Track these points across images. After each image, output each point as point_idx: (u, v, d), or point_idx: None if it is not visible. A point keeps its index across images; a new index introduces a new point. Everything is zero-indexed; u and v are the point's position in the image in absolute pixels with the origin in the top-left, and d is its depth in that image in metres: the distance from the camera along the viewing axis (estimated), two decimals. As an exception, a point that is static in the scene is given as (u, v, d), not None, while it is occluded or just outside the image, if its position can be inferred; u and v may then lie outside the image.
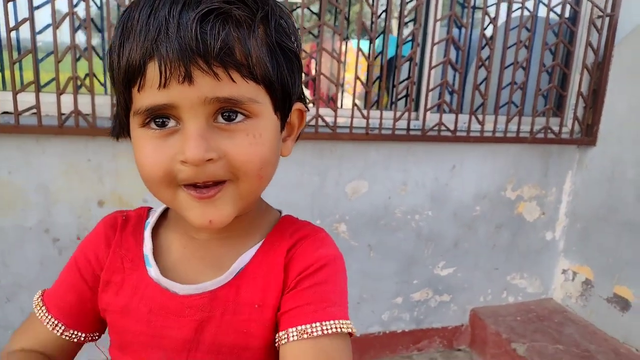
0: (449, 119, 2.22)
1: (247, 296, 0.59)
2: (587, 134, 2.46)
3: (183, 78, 0.49)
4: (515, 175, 2.49)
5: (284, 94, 0.56)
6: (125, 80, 0.52)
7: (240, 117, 0.53)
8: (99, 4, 1.84)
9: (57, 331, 0.65)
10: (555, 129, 2.42)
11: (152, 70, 0.50)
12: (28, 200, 1.84)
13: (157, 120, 0.53)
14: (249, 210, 0.62)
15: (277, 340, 0.58)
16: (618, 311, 2.37)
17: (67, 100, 1.72)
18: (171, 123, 0.53)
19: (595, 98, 2.41)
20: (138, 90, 0.52)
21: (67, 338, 0.66)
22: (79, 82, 1.71)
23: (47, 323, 0.65)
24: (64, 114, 1.72)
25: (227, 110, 0.52)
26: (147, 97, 0.51)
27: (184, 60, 0.48)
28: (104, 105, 1.80)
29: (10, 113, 1.73)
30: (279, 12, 0.56)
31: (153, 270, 0.62)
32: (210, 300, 0.59)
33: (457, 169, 2.37)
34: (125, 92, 0.54)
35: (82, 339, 0.67)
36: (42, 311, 0.66)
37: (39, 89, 1.67)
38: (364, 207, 2.26)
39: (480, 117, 2.24)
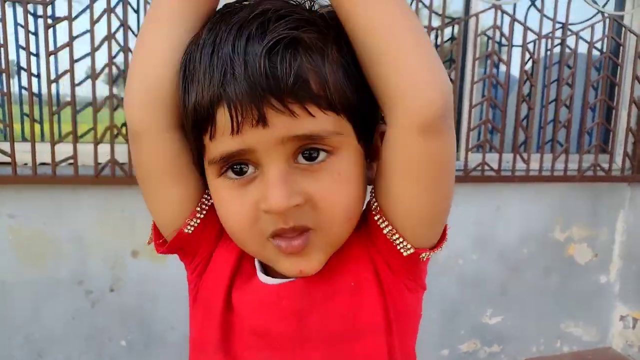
0: (491, 158, 2.13)
1: (339, 278, 0.54)
2: (639, 170, 2.33)
3: (257, 121, 0.44)
4: (564, 215, 2.36)
5: (367, 120, 0.51)
6: (195, 129, 0.48)
7: (322, 155, 0.48)
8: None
9: None
10: (605, 166, 2.30)
11: (222, 116, 0.45)
12: (61, 251, 1.81)
13: (235, 167, 0.49)
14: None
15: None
16: (687, 362, 2.18)
17: (103, 151, 1.70)
18: (250, 170, 0.48)
19: (645, 133, 2.30)
20: (210, 138, 0.47)
21: None
22: (115, 132, 1.69)
23: None
24: (100, 164, 1.70)
25: (308, 149, 0.47)
26: (220, 145, 0.47)
27: (255, 101, 0.43)
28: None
29: (48, 164, 1.72)
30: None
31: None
32: (306, 287, 0.54)
33: (502, 210, 2.26)
34: (197, 140, 0.49)
35: None
36: None
37: (76, 139, 1.66)
38: (405, 253, 2.16)
39: (524, 155, 2.14)
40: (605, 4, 2.36)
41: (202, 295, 0.60)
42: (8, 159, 1.64)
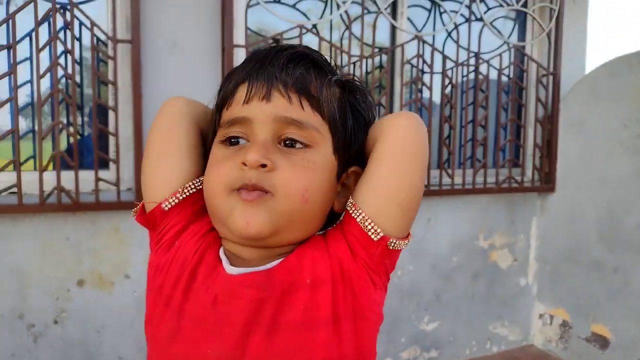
0: (421, 174, 2.32)
1: (298, 274, 0.60)
2: (546, 181, 2.63)
3: (263, 96, 0.59)
4: (486, 224, 2.59)
5: (345, 141, 0.63)
6: (219, 105, 0.64)
7: (299, 146, 0.60)
8: (78, 81, 1.85)
9: None
10: (518, 178, 2.57)
11: (241, 91, 0.61)
12: (0, 285, 1.73)
13: (233, 140, 0.62)
14: (295, 240, 0.63)
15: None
16: (598, 349, 2.44)
17: (49, 178, 1.68)
18: (242, 142, 0.61)
19: (549, 148, 2.60)
20: (226, 109, 0.62)
21: None
22: (60, 157, 1.68)
23: None
24: (44, 191, 1.68)
25: (291, 139, 0.60)
26: (232, 111, 0.61)
27: (267, 83, 0.59)
28: (87, 180, 1.77)
29: (-13, 194, 1.67)
30: (357, 88, 0.67)
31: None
32: (268, 278, 0.59)
33: (432, 222, 2.45)
34: (217, 115, 0.65)
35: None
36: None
37: (20, 167, 1.63)
38: (347, 267, 2.27)
39: (449, 171, 2.36)
40: (510, 35, 2.68)
41: (158, 280, 0.64)
42: (-55, 190, 1.58)
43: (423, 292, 2.48)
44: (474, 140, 2.44)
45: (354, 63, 2.25)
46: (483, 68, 2.42)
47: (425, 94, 2.34)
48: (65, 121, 1.80)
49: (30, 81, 1.77)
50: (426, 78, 2.34)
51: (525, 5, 2.57)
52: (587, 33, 2.75)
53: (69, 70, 1.70)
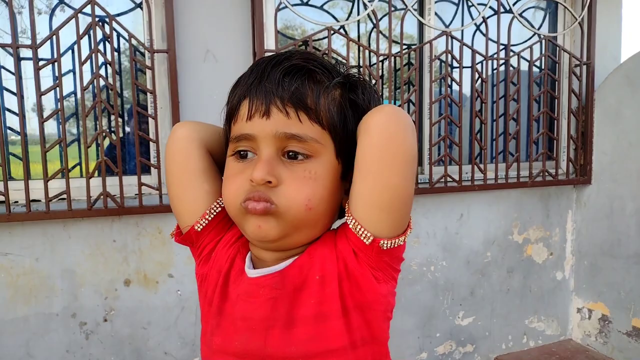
0: (453, 170, 2.33)
1: (308, 271, 0.66)
2: (582, 173, 2.59)
3: (263, 113, 0.62)
4: (520, 218, 2.58)
5: (349, 143, 0.65)
6: (228, 117, 0.69)
7: (302, 157, 0.63)
8: (119, 91, 1.94)
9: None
10: (552, 171, 2.55)
11: (244, 107, 0.64)
12: (54, 286, 1.84)
13: (242, 152, 0.66)
14: (306, 241, 0.69)
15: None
16: (639, 344, 2.40)
17: (94, 184, 1.78)
18: (250, 155, 0.65)
19: (584, 139, 2.56)
20: (234, 123, 0.66)
21: None
22: (105, 165, 1.77)
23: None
24: (92, 197, 1.77)
25: (293, 151, 0.63)
26: (238, 127, 0.65)
27: (265, 99, 0.62)
28: (131, 185, 1.86)
29: (38, 201, 1.78)
30: (357, 83, 0.68)
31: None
32: (281, 278, 0.66)
33: (465, 217, 2.45)
34: (227, 127, 0.69)
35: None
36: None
37: (68, 175, 1.73)
38: (381, 263, 2.30)
39: (481, 166, 2.35)
40: (540, 26, 2.65)
41: (203, 288, 0.74)
42: (2, 198, 1.68)
43: (457, 287, 2.49)
44: (506, 133, 2.43)
45: (382, 61, 2.28)
46: (513, 61, 2.40)
47: (455, 89, 2.35)
48: (107, 129, 1.89)
49: (74, 92, 1.87)
50: (456, 73, 2.34)
51: (556, -5, 2.54)
52: (621, 20, 2.68)
53: (110, 81, 1.78)
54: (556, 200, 2.66)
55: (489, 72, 2.38)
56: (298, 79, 0.62)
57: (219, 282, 0.71)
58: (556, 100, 2.56)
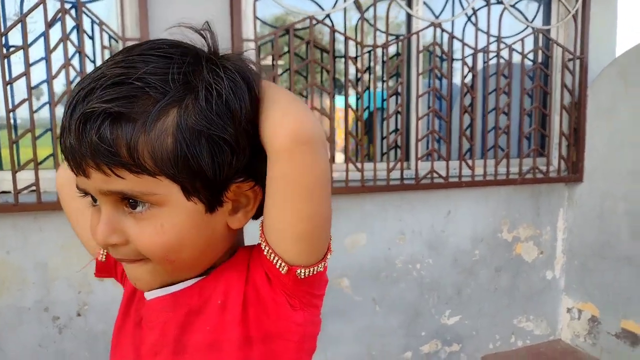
0: (440, 166, 2.27)
1: (209, 295, 0.59)
2: (574, 171, 2.53)
3: (81, 174, 0.52)
4: (509, 216, 2.52)
5: (203, 180, 0.53)
6: None
7: (143, 207, 0.53)
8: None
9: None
10: (543, 168, 2.49)
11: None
12: (26, 279, 1.80)
13: (92, 196, 0.57)
14: (196, 274, 0.62)
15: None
16: (628, 346, 2.35)
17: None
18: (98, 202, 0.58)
19: (576, 136, 2.50)
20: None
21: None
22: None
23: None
24: (62, 189, 1.72)
25: (132, 199, 0.53)
26: (76, 177, 0.55)
27: (76, 159, 0.51)
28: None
29: (8, 192, 1.73)
30: (210, 84, 0.52)
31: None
32: (172, 301, 0.60)
33: (452, 215, 2.40)
34: None
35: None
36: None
37: (37, 166, 1.68)
38: (364, 260, 2.25)
39: (470, 162, 2.30)
40: (534, 18, 2.58)
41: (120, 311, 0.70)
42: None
43: (444, 286, 2.44)
44: (496, 128, 2.37)
45: (369, 52, 2.22)
46: (505, 53, 2.33)
47: (445, 82, 2.28)
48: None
49: (47, 81, 1.82)
50: (446, 66, 2.28)
51: (550, -13, 2.47)
52: (617, 14, 2.60)
53: (83, 70, 1.73)
54: (547, 198, 2.60)
55: (480, 65, 2.32)
56: (100, 127, 0.49)
57: (123, 304, 0.68)
58: (548, 95, 2.49)
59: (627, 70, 2.32)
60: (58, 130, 1.70)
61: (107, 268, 0.72)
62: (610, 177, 2.42)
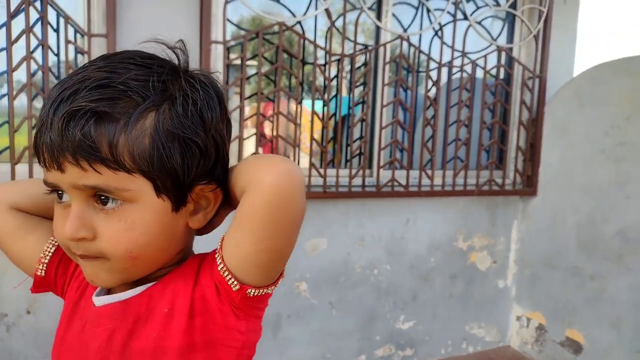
0: (401, 175, 2.33)
1: (157, 303, 0.62)
2: (528, 185, 2.63)
3: (56, 168, 0.55)
4: (466, 226, 2.60)
5: (173, 179, 0.58)
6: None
7: (114, 203, 0.57)
8: (57, 74, 1.85)
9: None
10: (499, 181, 2.57)
11: (41, 155, 0.57)
12: (-26, 274, 1.75)
13: (59, 192, 0.59)
14: (150, 272, 0.65)
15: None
16: (571, 354, 2.46)
17: (22, 170, 1.69)
18: (65, 197, 0.59)
19: (532, 151, 2.60)
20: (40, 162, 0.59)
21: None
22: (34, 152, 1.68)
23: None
24: (17, 183, 1.69)
25: (102, 195, 0.56)
26: (46, 173, 0.58)
27: (54, 154, 0.54)
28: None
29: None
30: (187, 94, 0.57)
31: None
32: (122, 309, 0.62)
33: (411, 223, 2.45)
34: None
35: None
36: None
37: (-8, 158, 1.64)
38: (323, 264, 2.29)
39: (429, 172, 2.36)
40: (498, 36, 2.67)
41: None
42: None
43: (400, 291, 2.49)
44: (456, 140, 2.44)
45: (337, 61, 2.25)
46: (468, 68, 2.41)
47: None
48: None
49: (7, 72, 1.77)
50: (411, 78, 2.33)
51: (514, 6, 2.55)
52: (576, 36, 2.72)
53: (45, 63, 1.70)
54: (503, 210, 2.69)
55: (445, 79, 2.38)
56: (86, 123, 0.52)
57: (66, 312, 0.69)
58: (508, 110, 2.58)
59: (582, 90, 2.42)
60: (16, 122, 1.66)
61: (47, 282, 0.72)
62: (562, 192, 2.53)
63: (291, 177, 0.55)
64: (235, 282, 0.58)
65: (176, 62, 0.60)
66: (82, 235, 0.57)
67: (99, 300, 0.64)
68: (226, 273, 0.59)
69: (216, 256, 0.61)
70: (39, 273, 0.70)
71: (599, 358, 2.34)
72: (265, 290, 0.60)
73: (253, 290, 0.59)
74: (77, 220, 0.56)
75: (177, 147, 0.56)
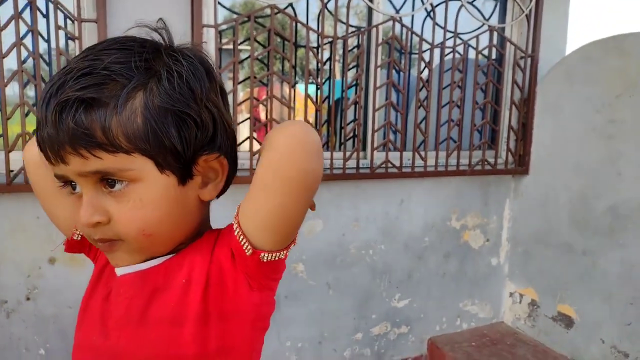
0: (394, 156, 2.34)
1: (175, 274, 0.64)
2: (520, 164, 2.66)
3: (59, 161, 0.57)
4: (459, 205, 2.63)
5: (173, 153, 0.59)
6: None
7: (120, 185, 0.58)
8: (47, 60, 1.84)
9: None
10: (491, 160, 2.60)
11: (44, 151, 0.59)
12: (-27, 262, 1.76)
13: (72, 183, 0.61)
14: (170, 249, 0.66)
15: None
16: (563, 328, 2.52)
17: (16, 158, 1.69)
18: (78, 188, 0.61)
19: (524, 131, 2.62)
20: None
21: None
22: (27, 138, 1.68)
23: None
24: (12, 171, 1.69)
25: (109, 179, 0.58)
26: (53, 168, 0.60)
27: (54, 148, 0.56)
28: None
29: (-46, 173, 1.68)
30: (171, 68, 0.58)
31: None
32: (141, 278, 0.65)
33: (405, 203, 2.48)
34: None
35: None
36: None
37: (-15, 147, 1.63)
38: (320, 246, 2.31)
39: (423, 153, 2.37)
40: (490, 16, 2.66)
41: (89, 286, 0.74)
42: None
43: (395, 270, 2.53)
44: (449, 121, 2.45)
45: (329, 43, 2.24)
46: (461, 49, 2.41)
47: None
48: (31, 102, 1.79)
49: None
50: (404, 59, 2.33)
51: (506, -15, 2.55)
52: (568, 15, 2.72)
53: (35, 49, 1.68)
54: (495, 189, 2.72)
55: (437, 60, 2.38)
56: (76, 113, 0.54)
57: (93, 278, 0.72)
58: (500, 90, 2.59)
59: (573, 69, 2.44)
60: (9, 110, 1.66)
61: (81, 246, 0.75)
62: (554, 170, 2.56)
63: (304, 135, 0.57)
64: (249, 247, 0.60)
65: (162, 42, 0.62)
66: (96, 219, 0.59)
67: (120, 270, 0.66)
68: (241, 237, 0.61)
69: (233, 221, 0.63)
70: (75, 237, 0.73)
71: (590, 332, 2.39)
72: (277, 255, 0.61)
73: (266, 255, 0.60)
74: (89, 207, 0.59)
75: (171, 121, 0.58)
